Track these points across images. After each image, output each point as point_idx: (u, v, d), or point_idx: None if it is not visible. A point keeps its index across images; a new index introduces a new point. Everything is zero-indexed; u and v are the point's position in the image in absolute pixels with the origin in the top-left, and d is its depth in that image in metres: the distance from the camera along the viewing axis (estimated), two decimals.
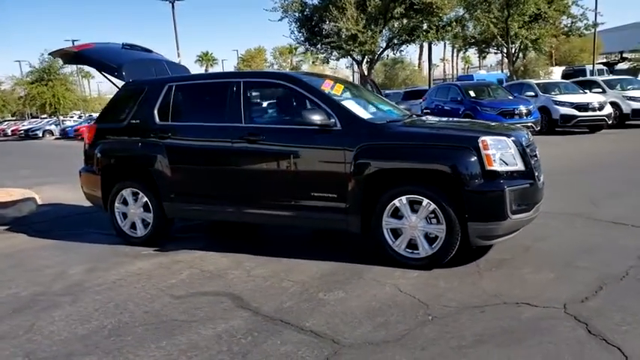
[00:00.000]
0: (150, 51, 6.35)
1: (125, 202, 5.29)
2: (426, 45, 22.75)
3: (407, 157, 4.00)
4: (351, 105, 4.47)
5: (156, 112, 5.08)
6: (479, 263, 4.11)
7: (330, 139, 4.25)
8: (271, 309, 3.45)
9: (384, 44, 13.94)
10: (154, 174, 5.00)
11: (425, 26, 14.44)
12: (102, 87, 73.44)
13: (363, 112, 4.46)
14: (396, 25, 13.73)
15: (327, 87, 4.62)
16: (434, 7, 12.75)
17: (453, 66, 68.58)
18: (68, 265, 4.73)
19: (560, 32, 18.72)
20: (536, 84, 16.01)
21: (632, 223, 5.00)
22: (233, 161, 4.62)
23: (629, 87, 16.46)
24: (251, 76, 4.92)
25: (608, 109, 14.62)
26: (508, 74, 32.18)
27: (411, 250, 4.07)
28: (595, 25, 18.50)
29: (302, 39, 15.83)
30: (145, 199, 5.13)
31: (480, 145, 3.82)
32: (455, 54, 56.99)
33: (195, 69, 57.54)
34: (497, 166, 3.81)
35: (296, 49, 53.09)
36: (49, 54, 5.84)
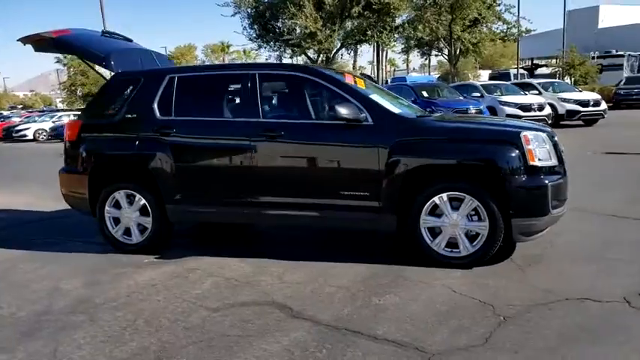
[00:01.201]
0: (130, 40, 5.79)
1: (117, 206, 4.76)
2: (361, 47, 23.04)
3: (449, 153, 3.88)
4: (379, 99, 4.29)
5: (156, 105, 4.61)
6: (514, 259, 4.08)
7: (360, 135, 4.04)
8: (330, 317, 3.19)
9: (338, 44, 13.87)
10: (156, 174, 4.53)
11: (378, 26, 14.56)
12: (8, 82, 66.62)
13: (392, 107, 4.28)
14: (349, 25, 13.70)
15: (349, 80, 4.41)
16: (391, 7, 12.86)
17: (379, 69, 70.12)
18: (57, 279, 4.17)
19: (497, 37, 19.63)
20: (480, 85, 16.65)
21: (631, 216, 5.20)
22: (252, 159, 4.27)
23: (561, 90, 17.57)
24: (267, 68, 4.59)
25: (548, 110, 15.51)
26: (436, 77, 33.51)
27: (450, 249, 3.96)
28: (528, 31, 19.60)
29: (254, 36, 15.40)
30: (143, 201, 4.64)
31: (522, 140, 3.77)
32: (384, 57, 58.32)
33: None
34: (537, 161, 3.78)
35: (229, 46, 52.00)
36: (19, 40, 5.14)
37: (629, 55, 32.71)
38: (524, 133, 3.81)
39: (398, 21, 14.51)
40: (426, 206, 3.93)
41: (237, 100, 4.47)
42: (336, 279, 3.84)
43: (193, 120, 4.56)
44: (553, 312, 3.14)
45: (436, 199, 3.89)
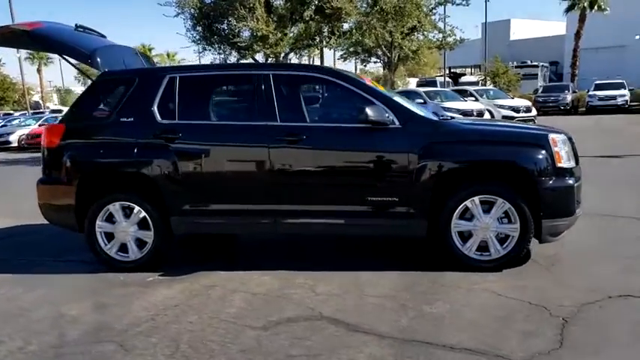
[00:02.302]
0: (104, 36, 5.29)
1: (111, 220, 4.30)
2: (307, 51, 23.01)
3: (482, 156, 3.87)
4: (402, 101, 4.20)
5: (156, 108, 4.22)
6: (536, 260, 4.13)
7: (388, 138, 3.93)
8: (391, 329, 3.03)
9: (287, 48, 13.71)
10: (160, 184, 4.14)
11: (325, 32, 14.57)
12: None
13: (416, 109, 4.21)
14: (298, 29, 13.57)
15: (369, 83, 4.29)
16: (342, 12, 12.91)
17: None
18: (55, 304, 3.68)
19: (434, 46, 20.38)
20: (423, 92, 17.18)
21: (623, 215, 5.46)
22: (270, 165, 4.02)
23: (495, 97, 18.56)
24: (282, 68, 4.35)
25: (487, 116, 16.29)
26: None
27: (480, 253, 3.94)
28: (462, 40, 20.50)
29: (197, 38, 14.82)
30: (143, 214, 4.21)
31: (550, 142, 3.84)
32: (328, 63, 58.51)
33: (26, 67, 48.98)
34: (564, 163, 3.87)
35: (152, 49, 49.90)
36: None
37: (542, 65, 35.29)
38: (551, 135, 3.88)
39: (345, 26, 14.63)
40: (457, 210, 3.88)
41: (251, 103, 4.18)
42: (374, 288, 3.69)
43: (202, 124, 4.22)
44: (606, 310, 3.19)
45: (468, 202, 3.86)
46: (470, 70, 52.08)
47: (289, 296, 3.62)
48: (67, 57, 4.52)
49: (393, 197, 3.93)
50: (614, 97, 23.95)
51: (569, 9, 30.10)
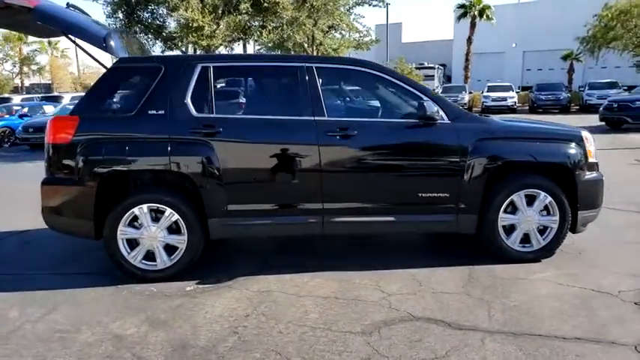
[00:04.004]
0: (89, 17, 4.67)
1: (135, 224, 3.82)
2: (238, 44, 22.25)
3: (529, 152, 4.02)
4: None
5: (189, 100, 3.82)
6: (564, 250, 4.34)
7: (438, 134, 3.95)
8: (494, 324, 3.06)
9: (221, 40, 13.12)
10: (199, 183, 3.76)
11: (256, 25, 14.21)
12: None
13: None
14: (228, 21, 13.05)
15: None
16: (279, 6, 12.67)
17: None
18: (101, 324, 3.19)
19: (351, 45, 20.81)
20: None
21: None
22: (319, 162, 3.83)
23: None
24: (325, 61, 4.12)
25: None
26: None
27: (522, 245, 4.12)
28: (377, 41, 21.23)
29: (118, 26, 13.61)
30: (176, 216, 3.80)
31: (584, 139, 4.13)
32: None
33: None
34: (593, 159, 4.18)
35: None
36: None
37: (438, 67, 37.69)
38: (583, 133, 4.16)
39: (276, 22, 14.35)
40: (504, 204, 4.01)
41: (295, 96, 3.94)
42: (439, 285, 3.69)
43: (245, 118, 3.91)
44: None
45: (514, 196, 4.01)
46: None
47: (363, 298, 3.49)
48: (76, 39, 3.92)
49: (444, 193, 3.96)
50: (504, 99, 26.30)
51: (461, 17, 32.42)
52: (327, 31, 19.32)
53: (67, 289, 3.76)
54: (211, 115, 3.82)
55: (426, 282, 3.74)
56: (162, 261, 3.86)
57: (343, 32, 20.49)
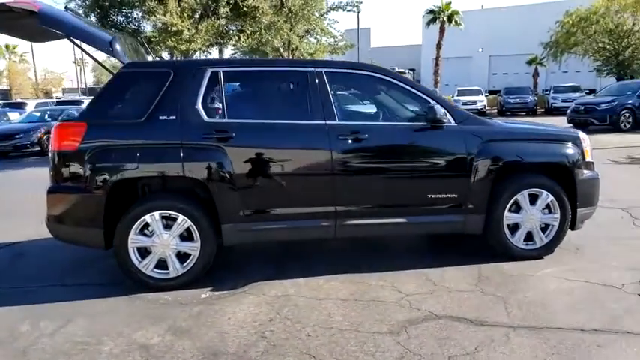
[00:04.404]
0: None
1: (145, 232, 3.78)
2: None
3: (533, 153, 4.17)
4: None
5: (200, 105, 3.81)
6: (562, 247, 4.51)
7: (446, 136, 4.05)
8: (514, 320, 3.16)
9: (200, 45, 12.99)
10: (212, 188, 3.75)
11: (234, 30, 14.14)
12: None
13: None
14: (206, 26, 12.96)
15: None
16: (259, 11, 12.65)
17: None
18: (123, 335, 3.13)
19: (327, 50, 20.93)
20: None
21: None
22: (332, 165, 3.88)
23: None
24: (333, 66, 4.15)
25: None
26: None
27: (526, 242, 4.25)
28: (351, 46, 21.43)
29: None
30: (188, 223, 3.77)
31: (581, 140, 4.31)
32: None
33: None
34: (590, 158, 4.36)
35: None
36: None
37: (409, 71, 38.30)
38: (580, 134, 4.34)
39: (255, 27, 14.32)
40: (509, 204, 4.14)
41: (305, 101, 3.97)
42: (452, 283, 3.78)
43: (258, 123, 3.89)
44: None
45: (519, 196, 4.14)
46: None
47: (383, 299, 3.54)
48: (82, 43, 3.85)
49: (452, 194, 4.06)
50: (474, 102, 26.91)
51: (430, 22, 33.05)
52: (303, 36, 19.38)
53: (75, 301, 3.67)
54: (224, 121, 3.82)
55: (440, 281, 3.82)
56: (175, 269, 3.82)
57: (318, 37, 20.59)
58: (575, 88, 27.05)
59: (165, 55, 13.56)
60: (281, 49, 18.59)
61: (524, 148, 4.17)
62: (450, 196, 4.06)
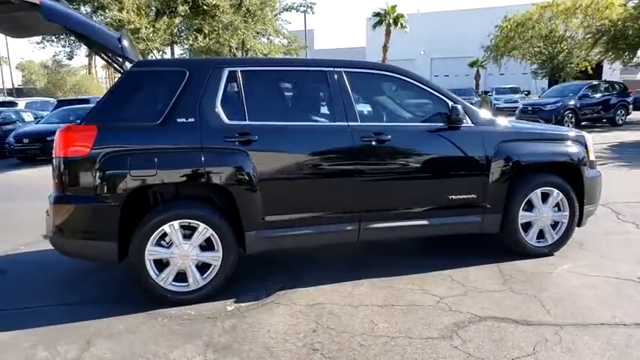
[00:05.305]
0: None
1: (162, 243, 3.52)
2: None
3: (546, 152, 4.27)
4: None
5: (219, 107, 3.60)
6: (571, 244, 4.63)
7: (466, 137, 4.06)
8: (555, 318, 3.19)
9: (158, 44, 12.44)
10: (236, 194, 3.55)
11: (192, 28, 13.69)
12: None
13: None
14: (164, 24, 12.46)
15: None
16: (219, 9, 12.30)
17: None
18: (158, 355, 2.89)
19: (280, 51, 20.78)
20: None
21: None
22: (356, 168, 3.79)
23: None
24: (353, 66, 4.02)
25: None
26: None
27: (538, 240, 4.34)
28: (305, 46, 21.41)
29: None
30: (210, 232, 3.55)
31: (585, 138, 4.46)
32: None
33: None
34: (593, 157, 4.52)
35: None
36: None
37: None
38: (584, 133, 4.49)
39: (213, 26, 13.92)
40: (523, 203, 4.21)
41: (326, 102, 3.86)
42: (480, 284, 3.78)
43: (280, 125, 3.73)
44: None
45: (532, 195, 4.22)
46: None
47: (419, 303, 3.48)
48: (91, 41, 3.54)
49: (472, 195, 4.07)
50: None
51: (376, 25, 33.67)
52: (255, 36, 19.14)
53: (86, 321, 3.34)
54: (245, 123, 3.62)
55: (466, 282, 3.82)
56: (195, 281, 3.58)
57: (271, 37, 20.42)
58: (515, 90, 28.42)
59: None
60: (234, 49, 18.25)
61: (538, 147, 4.26)
62: (469, 196, 4.07)
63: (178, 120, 3.51)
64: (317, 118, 3.87)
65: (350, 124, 3.80)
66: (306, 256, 4.53)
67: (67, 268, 4.38)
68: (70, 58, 15.48)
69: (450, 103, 4.02)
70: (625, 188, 7.06)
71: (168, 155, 3.47)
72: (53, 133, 13.16)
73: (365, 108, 4.16)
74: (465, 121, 4.03)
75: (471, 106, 4.27)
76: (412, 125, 4.14)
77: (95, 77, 40.56)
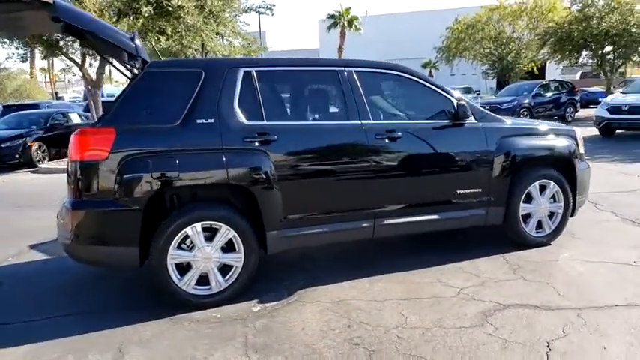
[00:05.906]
0: None
1: (183, 246, 3.47)
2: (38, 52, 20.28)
3: (545, 147, 4.47)
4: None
5: (237, 107, 3.58)
6: (564, 234, 4.85)
7: (471, 133, 4.21)
8: (571, 302, 3.37)
9: None
10: (257, 194, 3.54)
11: (155, 30, 13.34)
12: None
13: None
14: (126, 25, 12.09)
15: None
16: (183, 11, 12.07)
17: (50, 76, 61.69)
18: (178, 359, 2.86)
19: (240, 53, 20.59)
20: None
21: None
22: (371, 165, 3.85)
23: None
24: (363, 65, 4.07)
25: None
26: None
27: (537, 230, 4.56)
28: (265, 48, 21.32)
29: None
30: (232, 233, 3.52)
31: (575, 133, 4.72)
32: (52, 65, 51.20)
33: None
34: (582, 150, 4.79)
35: None
36: None
37: None
38: (574, 128, 4.76)
39: (177, 27, 13.61)
40: (523, 195, 4.41)
41: (339, 101, 3.90)
42: (492, 274, 3.92)
43: (298, 125, 3.75)
44: None
45: (531, 187, 4.42)
46: None
47: (441, 294, 3.58)
48: (107, 43, 3.43)
49: (477, 189, 4.22)
50: None
51: (331, 26, 33.96)
52: (214, 38, 18.88)
53: (109, 330, 3.23)
54: (264, 123, 3.62)
55: (479, 273, 3.96)
56: (218, 283, 3.55)
57: (230, 39, 20.22)
58: (468, 90, 29.36)
59: (77, 58, 12.43)
60: (194, 51, 17.94)
61: (537, 142, 4.47)
62: (475, 190, 4.22)
63: (198, 121, 3.46)
64: (332, 117, 3.91)
65: (363, 122, 3.86)
66: (317, 255, 4.55)
67: (65, 277, 4.28)
68: (24, 60, 14.73)
69: (456, 101, 4.15)
70: (592, 180, 7.45)
71: (190, 157, 3.42)
72: (5, 140, 12.67)
73: (375, 106, 4.22)
74: (470, 118, 4.18)
75: (474, 104, 4.43)
76: (421, 123, 4.24)
77: (36, 81, 38.68)
